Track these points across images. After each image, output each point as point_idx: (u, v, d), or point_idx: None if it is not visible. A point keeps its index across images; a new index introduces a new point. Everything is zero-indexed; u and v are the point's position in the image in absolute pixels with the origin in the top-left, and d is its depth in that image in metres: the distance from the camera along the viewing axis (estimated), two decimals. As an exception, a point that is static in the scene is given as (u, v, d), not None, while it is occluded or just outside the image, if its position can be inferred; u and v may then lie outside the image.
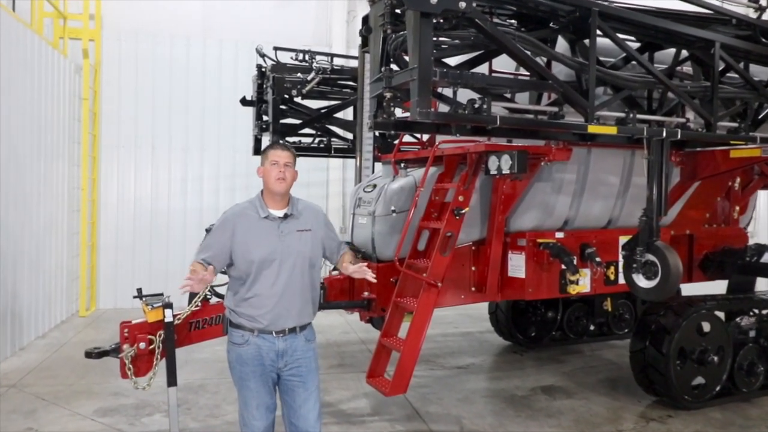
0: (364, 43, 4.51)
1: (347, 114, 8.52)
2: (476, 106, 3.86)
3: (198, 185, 10.48)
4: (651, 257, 4.67)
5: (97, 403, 5.45)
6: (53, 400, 5.51)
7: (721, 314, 5.78)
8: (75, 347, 7.21)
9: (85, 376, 6.14)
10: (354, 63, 7.86)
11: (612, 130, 4.23)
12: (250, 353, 3.28)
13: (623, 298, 7.84)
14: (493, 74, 4.80)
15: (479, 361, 7.15)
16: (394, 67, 4.03)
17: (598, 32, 4.12)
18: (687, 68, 5.18)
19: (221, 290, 4.21)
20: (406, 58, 3.92)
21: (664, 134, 4.44)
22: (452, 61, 4.49)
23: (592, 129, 4.07)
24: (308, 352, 3.38)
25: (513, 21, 4.22)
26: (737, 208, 6.62)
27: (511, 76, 4.87)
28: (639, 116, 4.44)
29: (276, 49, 7.66)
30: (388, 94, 3.87)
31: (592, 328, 7.85)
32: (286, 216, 3.33)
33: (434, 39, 3.66)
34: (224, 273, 3.45)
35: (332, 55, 8.02)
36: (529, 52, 3.96)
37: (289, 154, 3.35)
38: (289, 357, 3.31)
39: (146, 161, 10.24)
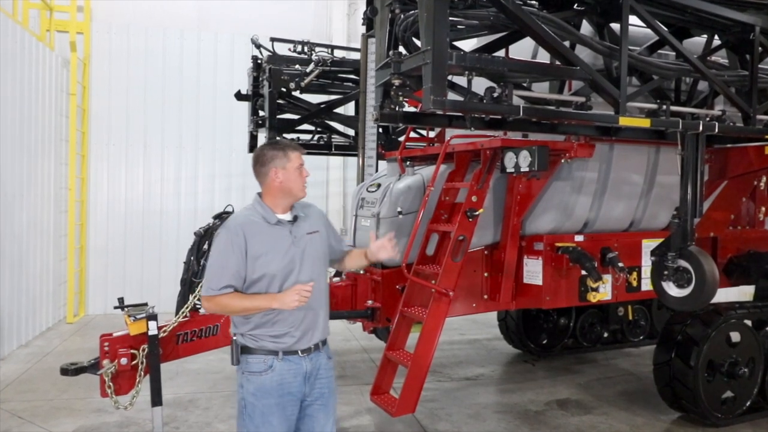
0: (369, 27, 4.09)
1: (348, 109, 8.15)
2: (495, 95, 3.45)
3: (192, 185, 10.05)
4: (684, 263, 4.29)
5: (78, 421, 5.02)
6: (30, 418, 5.08)
7: (749, 323, 5.39)
8: (59, 357, 6.77)
9: (68, 390, 5.70)
10: (355, 56, 7.46)
11: (645, 123, 3.82)
12: (274, 381, 2.80)
13: (638, 303, 7.47)
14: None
15: (489, 371, 6.74)
16: (403, 51, 3.61)
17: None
18: (714, 58, 4.79)
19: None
20: (417, 41, 3.51)
21: (701, 127, 4.02)
22: (464, 47, 4.08)
23: (624, 121, 3.66)
24: (330, 371, 3.00)
25: (534, 1, 3.82)
26: (763, 209, 6.26)
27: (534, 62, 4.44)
28: (672, 108, 4.03)
29: (273, 39, 7.27)
30: (396, 82, 3.45)
31: (605, 335, 7.52)
32: (295, 218, 2.95)
33: (449, 19, 3.25)
34: None
35: (333, 47, 7.60)
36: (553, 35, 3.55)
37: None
38: (314, 379, 2.90)
39: (138, 160, 9.80)
